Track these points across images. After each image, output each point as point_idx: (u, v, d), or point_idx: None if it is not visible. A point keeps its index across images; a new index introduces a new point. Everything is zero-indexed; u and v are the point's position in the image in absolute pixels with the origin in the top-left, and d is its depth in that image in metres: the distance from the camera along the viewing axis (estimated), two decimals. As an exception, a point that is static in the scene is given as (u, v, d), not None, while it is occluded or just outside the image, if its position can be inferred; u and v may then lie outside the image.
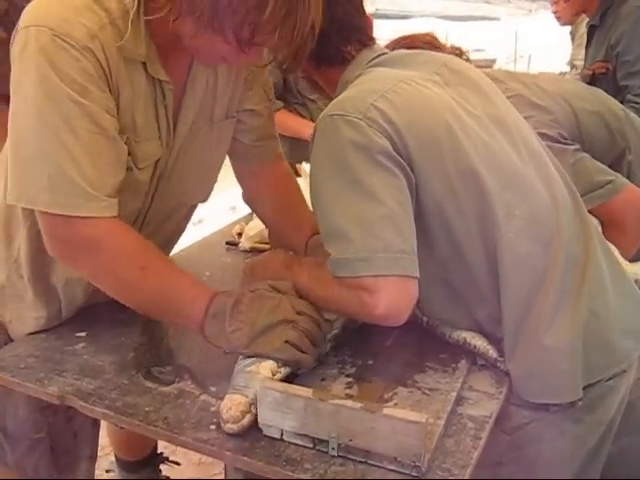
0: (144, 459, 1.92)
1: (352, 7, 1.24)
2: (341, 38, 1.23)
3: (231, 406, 0.94)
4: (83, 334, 1.22)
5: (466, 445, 0.94)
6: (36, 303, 1.23)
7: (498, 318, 1.12)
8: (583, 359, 1.10)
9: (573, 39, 4.09)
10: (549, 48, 9.67)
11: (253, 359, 1.01)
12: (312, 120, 2.47)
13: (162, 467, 1.98)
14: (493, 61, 7.73)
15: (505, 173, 1.12)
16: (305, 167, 1.91)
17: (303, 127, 2.40)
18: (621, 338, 1.16)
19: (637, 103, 2.30)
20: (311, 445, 0.93)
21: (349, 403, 0.90)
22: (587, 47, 2.72)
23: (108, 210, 1.05)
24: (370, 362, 1.14)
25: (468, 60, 1.69)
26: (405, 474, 0.88)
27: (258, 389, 0.94)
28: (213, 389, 1.06)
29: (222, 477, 2.11)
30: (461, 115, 1.12)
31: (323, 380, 1.08)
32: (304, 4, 0.97)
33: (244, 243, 1.72)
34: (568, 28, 3.95)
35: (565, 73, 3.74)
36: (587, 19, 2.80)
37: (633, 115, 1.82)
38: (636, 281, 1.33)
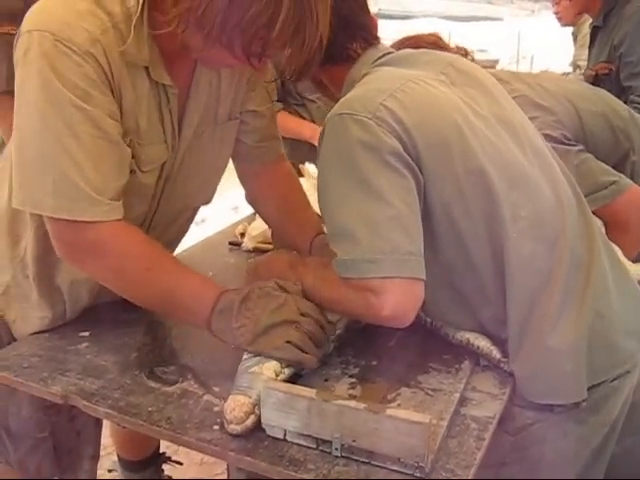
0: (146, 459, 1.92)
1: (357, 5, 1.24)
2: (347, 36, 1.22)
3: (235, 407, 0.94)
4: (86, 334, 1.22)
5: (469, 446, 0.94)
6: (41, 303, 1.24)
7: (503, 319, 1.12)
8: (587, 360, 1.10)
9: (575, 40, 4.08)
10: (552, 49, 9.67)
11: (256, 360, 1.01)
12: (312, 121, 2.47)
13: (164, 467, 1.98)
14: (496, 62, 7.72)
15: (512, 173, 1.12)
16: (308, 167, 1.91)
17: (303, 128, 2.40)
18: (625, 339, 1.16)
19: (640, 104, 2.30)
20: (314, 445, 0.93)
21: (352, 404, 0.90)
22: (590, 48, 2.71)
23: (112, 213, 1.06)
24: (373, 363, 1.14)
25: (473, 61, 1.68)
26: (408, 475, 0.88)
27: (261, 389, 0.94)
28: (216, 389, 1.06)
29: (224, 477, 2.12)
30: (469, 115, 1.12)
31: (326, 380, 1.08)
32: (312, 20, 0.96)
33: (247, 243, 1.72)
34: (571, 29, 3.94)
35: (568, 73, 3.74)
36: (590, 19, 2.80)
37: (637, 116, 1.82)
38: (639, 282, 1.33)
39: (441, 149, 1.07)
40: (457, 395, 1.05)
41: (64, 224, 1.04)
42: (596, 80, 2.46)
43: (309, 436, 0.92)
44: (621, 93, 2.29)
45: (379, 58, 1.23)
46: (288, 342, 1.01)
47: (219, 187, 1.37)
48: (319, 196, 1.11)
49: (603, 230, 1.54)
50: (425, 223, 1.06)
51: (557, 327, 1.09)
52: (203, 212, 1.46)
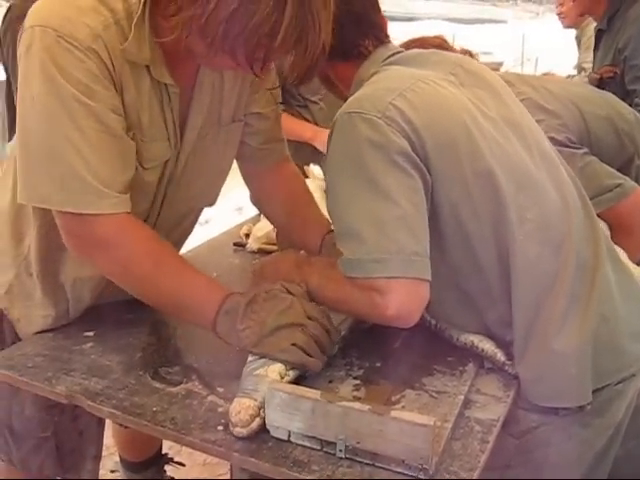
0: (149, 459, 1.92)
1: (369, 3, 1.25)
2: (359, 32, 1.22)
3: (240, 410, 0.94)
4: (91, 334, 1.22)
5: (473, 448, 0.94)
6: (44, 302, 1.24)
7: (508, 321, 1.12)
8: (592, 363, 1.10)
9: (579, 43, 4.08)
10: (556, 51, 9.67)
11: (261, 362, 1.01)
12: (314, 122, 2.47)
13: (167, 468, 1.98)
14: (500, 64, 7.73)
15: (519, 176, 1.12)
16: (312, 169, 1.91)
17: (305, 130, 2.39)
18: (630, 342, 1.16)
19: (645, 107, 2.29)
20: (318, 447, 0.92)
21: (357, 405, 0.90)
22: (595, 51, 2.71)
23: (120, 206, 1.06)
24: (378, 364, 1.14)
25: (478, 62, 1.68)
26: (412, 477, 0.88)
27: (266, 390, 0.94)
28: (221, 390, 1.06)
29: (227, 478, 2.11)
30: (477, 116, 1.12)
31: (331, 382, 1.08)
32: (315, 28, 0.96)
33: (252, 244, 1.71)
34: (574, 32, 3.95)
35: (573, 76, 3.73)
36: (594, 22, 2.80)
37: (643, 119, 1.81)
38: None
39: (449, 150, 1.07)
40: (461, 397, 1.04)
41: (71, 217, 1.04)
42: (601, 83, 2.46)
43: (313, 437, 0.92)
44: (626, 96, 2.29)
45: (389, 57, 1.22)
46: (293, 344, 1.01)
47: (223, 188, 1.37)
48: (327, 194, 1.11)
49: (608, 233, 1.54)
50: (432, 224, 1.06)
51: (562, 330, 1.09)
52: (207, 213, 1.46)
